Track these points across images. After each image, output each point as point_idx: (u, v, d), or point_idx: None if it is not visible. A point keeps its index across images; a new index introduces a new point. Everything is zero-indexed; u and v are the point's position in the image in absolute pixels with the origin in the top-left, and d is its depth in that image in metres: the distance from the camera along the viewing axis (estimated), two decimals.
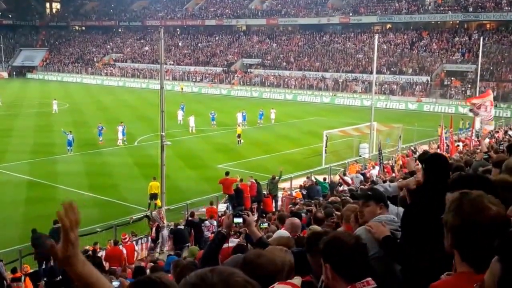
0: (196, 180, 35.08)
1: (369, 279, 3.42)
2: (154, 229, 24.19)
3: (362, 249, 3.51)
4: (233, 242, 7.14)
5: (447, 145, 34.67)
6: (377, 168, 33.11)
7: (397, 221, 5.29)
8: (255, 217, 27.28)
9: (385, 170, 32.92)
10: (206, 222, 24.34)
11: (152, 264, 18.01)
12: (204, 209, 26.38)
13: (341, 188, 28.16)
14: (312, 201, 24.42)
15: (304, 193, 28.80)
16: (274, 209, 28.26)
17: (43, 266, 20.50)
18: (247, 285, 2.00)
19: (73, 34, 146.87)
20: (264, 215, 27.01)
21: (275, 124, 58.37)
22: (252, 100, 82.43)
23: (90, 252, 20.12)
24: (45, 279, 20.45)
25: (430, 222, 4.24)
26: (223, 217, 20.14)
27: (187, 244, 22.57)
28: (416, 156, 25.99)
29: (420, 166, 6.41)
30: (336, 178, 30.87)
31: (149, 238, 24.21)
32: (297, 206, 22.79)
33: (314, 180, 29.93)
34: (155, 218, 24.30)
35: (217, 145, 46.58)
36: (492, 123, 41.31)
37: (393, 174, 28.90)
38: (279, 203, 29.09)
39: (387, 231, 4.85)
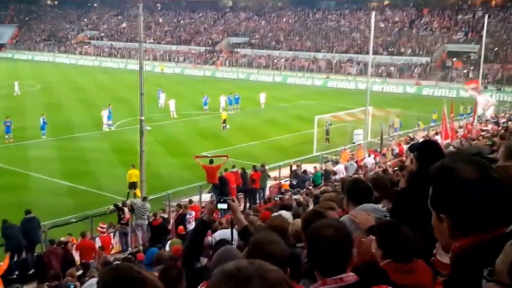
0: (178, 168, 35.21)
1: (344, 275, 3.44)
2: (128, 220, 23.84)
3: (340, 242, 3.51)
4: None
5: (448, 131, 34.89)
6: (373, 156, 33.24)
7: (382, 209, 5.52)
8: (241, 207, 27.57)
9: (374, 155, 33.02)
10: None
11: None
12: (186, 200, 26.51)
13: (334, 177, 28.49)
14: (301, 191, 24.74)
15: (295, 183, 29.09)
16: (258, 200, 28.50)
17: (15, 259, 20.62)
18: (283, 283, 2.05)
19: (44, 9, 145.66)
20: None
21: (263, 108, 58.70)
22: (239, 83, 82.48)
23: (62, 245, 20.23)
24: (17, 272, 20.63)
25: (422, 209, 4.53)
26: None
27: (169, 236, 22.70)
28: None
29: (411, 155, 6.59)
30: (330, 166, 31.16)
31: (121, 231, 24.08)
32: (286, 197, 23.07)
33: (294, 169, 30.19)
34: (133, 206, 24.25)
35: (200, 131, 46.73)
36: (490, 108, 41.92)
37: (388, 162, 29.12)
38: (267, 193, 29.32)
39: (373, 220, 5.01)
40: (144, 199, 25.22)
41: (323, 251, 3.49)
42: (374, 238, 4.45)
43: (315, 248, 3.56)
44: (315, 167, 30.89)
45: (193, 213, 23.98)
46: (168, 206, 25.87)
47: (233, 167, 29.77)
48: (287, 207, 15.04)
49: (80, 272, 17.10)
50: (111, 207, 25.05)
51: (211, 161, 29.05)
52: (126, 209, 23.82)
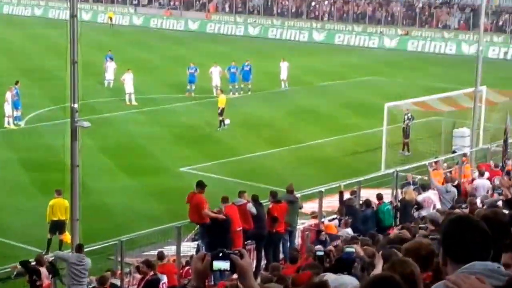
0: (137, 195, 35.23)
1: None
2: None
3: None
4: None
5: None
6: (488, 175, 32.89)
7: (504, 271, 5.20)
8: (253, 265, 27.13)
9: (489, 173, 32.79)
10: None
11: None
12: (153, 254, 26.28)
13: (418, 213, 28.20)
14: (358, 238, 24.53)
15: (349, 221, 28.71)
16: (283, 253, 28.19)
17: None
18: None
19: None
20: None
21: (288, 89, 58.76)
22: (248, 43, 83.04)
23: None
24: None
25: None
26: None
27: None
28: None
29: None
30: (412, 194, 30.56)
31: None
32: (332, 248, 22.77)
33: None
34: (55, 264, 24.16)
35: (179, 129, 46.80)
36: None
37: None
38: (298, 240, 29.14)
39: None
40: (79, 249, 24.92)
41: None
42: None
43: None
44: (379, 196, 30.32)
45: (165, 277, 23.72)
46: (121, 265, 25.56)
47: (241, 195, 29.11)
48: (340, 267, 14.44)
49: None
50: (18, 266, 24.81)
51: (199, 184, 28.39)
52: (43, 270, 23.57)
